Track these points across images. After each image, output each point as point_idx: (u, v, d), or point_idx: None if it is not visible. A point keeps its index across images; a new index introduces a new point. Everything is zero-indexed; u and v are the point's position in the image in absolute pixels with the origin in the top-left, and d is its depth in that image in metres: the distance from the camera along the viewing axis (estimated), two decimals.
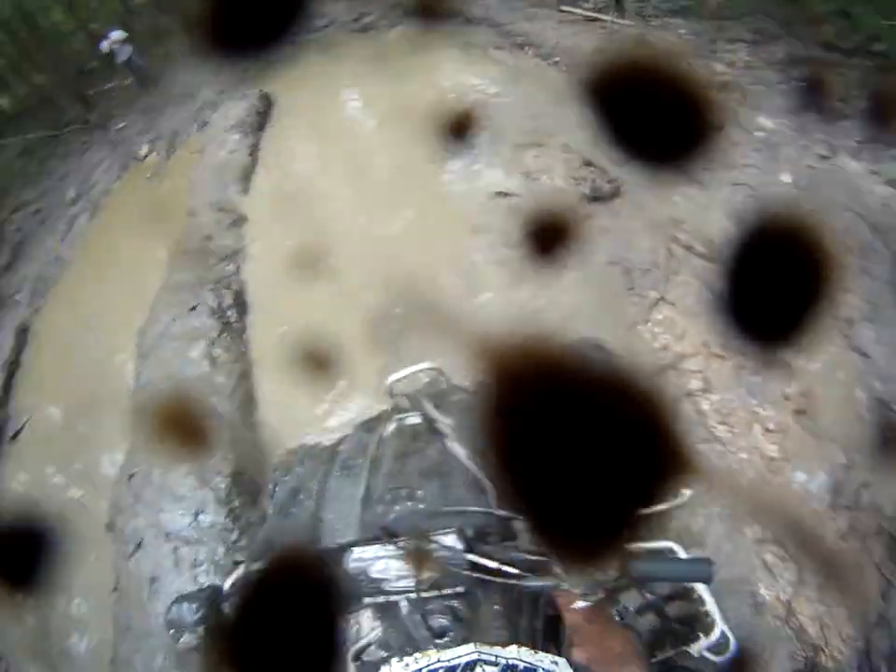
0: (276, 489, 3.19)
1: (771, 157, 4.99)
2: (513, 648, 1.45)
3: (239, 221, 6.24)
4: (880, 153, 4.86)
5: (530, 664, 1.42)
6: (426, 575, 1.56)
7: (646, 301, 4.08)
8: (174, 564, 3.85)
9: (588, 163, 5.32)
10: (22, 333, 7.32)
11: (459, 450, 1.90)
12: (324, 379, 4.36)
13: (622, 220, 4.73)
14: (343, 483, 2.06)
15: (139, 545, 4.06)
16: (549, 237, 3.60)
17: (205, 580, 3.70)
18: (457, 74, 7.41)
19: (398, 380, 2.66)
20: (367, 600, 1.59)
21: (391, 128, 6.67)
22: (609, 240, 4.58)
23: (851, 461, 3.20)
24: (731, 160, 4.93)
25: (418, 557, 1.58)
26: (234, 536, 3.89)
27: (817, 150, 4.94)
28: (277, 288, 5.37)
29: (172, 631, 1.70)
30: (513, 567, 1.51)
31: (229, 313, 5.30)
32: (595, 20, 7.30)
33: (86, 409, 5.64)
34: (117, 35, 10.21)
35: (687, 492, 2.56)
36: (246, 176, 6.86)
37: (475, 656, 1.42)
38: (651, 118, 0.44)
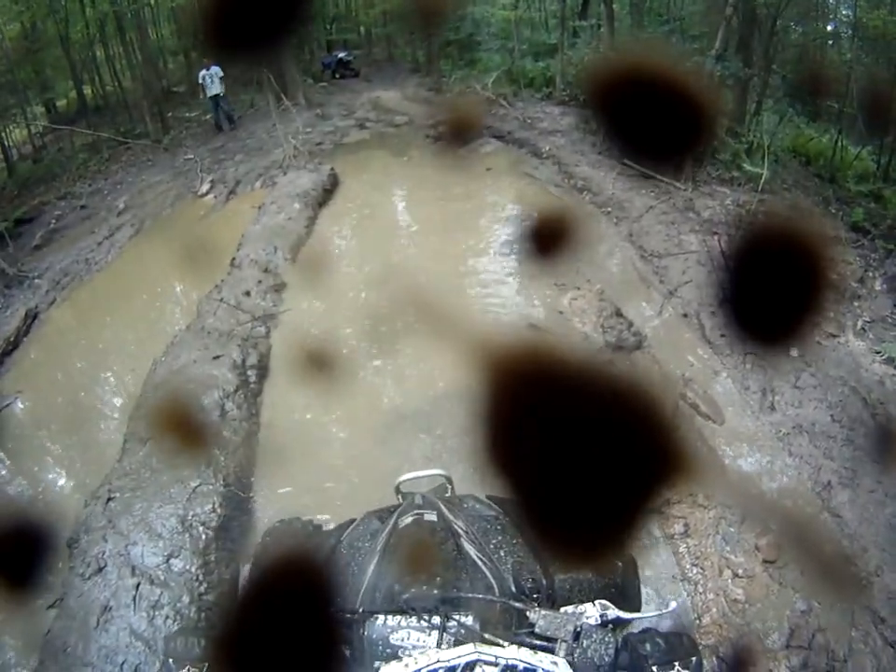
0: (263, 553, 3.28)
1: None
2: (513, 648, 1.53)
3: (280, 287, 6.44)
4: (885, 333, 5.38)
5: (530, 664, 1.49)
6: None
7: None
8: (132, 599, 3.79)
9: (619, 314, 5.67)
10: (31, 318, 7.38)
11: (471, 549, 2.07)
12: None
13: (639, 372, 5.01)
14: (350, 558, 2.24)
15: (100, 570, 4.00)
16: None
17: (162, 624, 3.66)
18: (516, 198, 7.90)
19: (406, 480, 2.88)
20: (377, 664, 1.70)
21: (435, 236, 7.07)
22: None
23: (810, 608, 3.42)
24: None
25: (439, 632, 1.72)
26: (202, 588, 3.86)
27: (827, 328, 5.34)
28: (298, 364, 5.54)
29: (171, 660, 1.81)
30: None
31: (249, 372, 5.40)
32: (652, 177, 7.81)
33: (72, 414, 5.72)
34: (216, 69, 10.72)
35: (673, 604, 2.74)
36: (298, 246, 7.12)
37: (475, 656, 1.50)
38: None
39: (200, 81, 11.08)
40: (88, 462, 5.29)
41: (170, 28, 14.56)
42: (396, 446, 4.65)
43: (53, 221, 9.49)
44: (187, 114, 12.03)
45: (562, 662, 1.55)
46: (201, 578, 3.90)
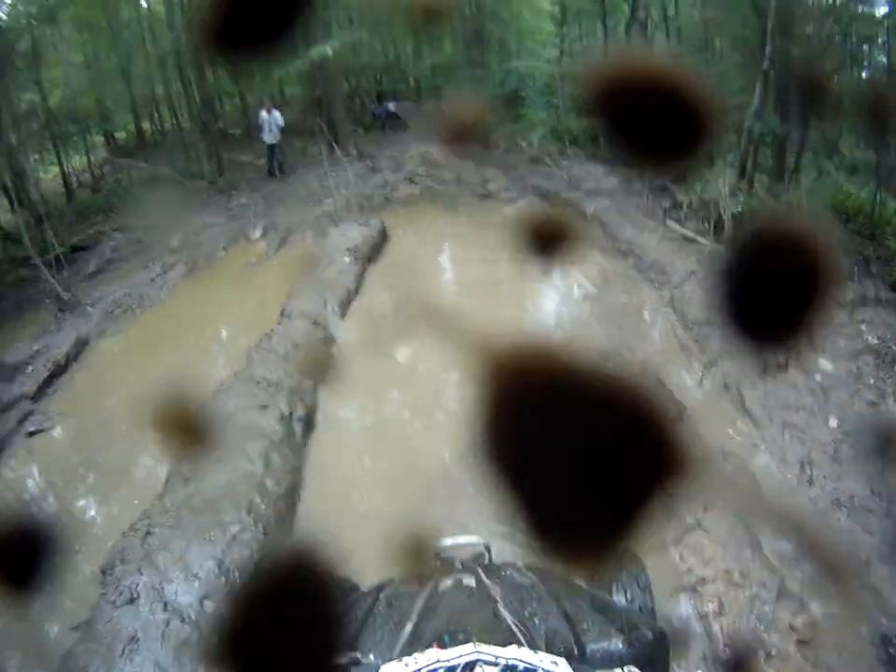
0: None
1: (824, 400, 5.39)
2: (513, 648, 1.52)
3: (328, 341, 6.66)
4: None
5: (530, 664, 1.46)
6: None
7: (682, 526, 4.30)
8: (161, 634, 3.85)
9: (660, 383, 5.70)
10: (81, 344, 7.71)
11: (508, 616, 2.04)
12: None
13: None
14: (385, 618, 2.22)
15: (132, 600, 4.07)
16: None
17: (188, 663, 3.70)
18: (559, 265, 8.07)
19: (446, 546, 2.93)
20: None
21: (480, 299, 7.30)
22: None
23: None
24: (785, 400, 5.37)
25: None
26: None
27: (868, 396, 5.31)
28: (346, 421, 5.73)
29: None
30: None
31: (295, 425, 5.57)
32: (694, 240, 7.97)
33: (112, 443, 5.95)
34: (277, 115, 11.19)
35: None
36: (347, 301, 7.37)
37: (475, 656, 1.48)
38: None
39: (259, 123, 11.47)
40: (122, 493, 5.48)
41: (227, 70, 14.97)
42: (440, 509, 4.64)
43: (109, 252, 9.85)
44: (241, 158, 12.43)
45: (562, 662, 1.53)
46: None
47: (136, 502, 5.11)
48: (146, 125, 14.61)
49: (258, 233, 9.47)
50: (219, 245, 9.47)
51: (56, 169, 12.82)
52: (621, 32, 12.65)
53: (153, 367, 6.94)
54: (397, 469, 5.15)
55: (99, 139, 14.41)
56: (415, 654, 1.60)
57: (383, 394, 6.04)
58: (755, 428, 5.26)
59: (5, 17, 11.11)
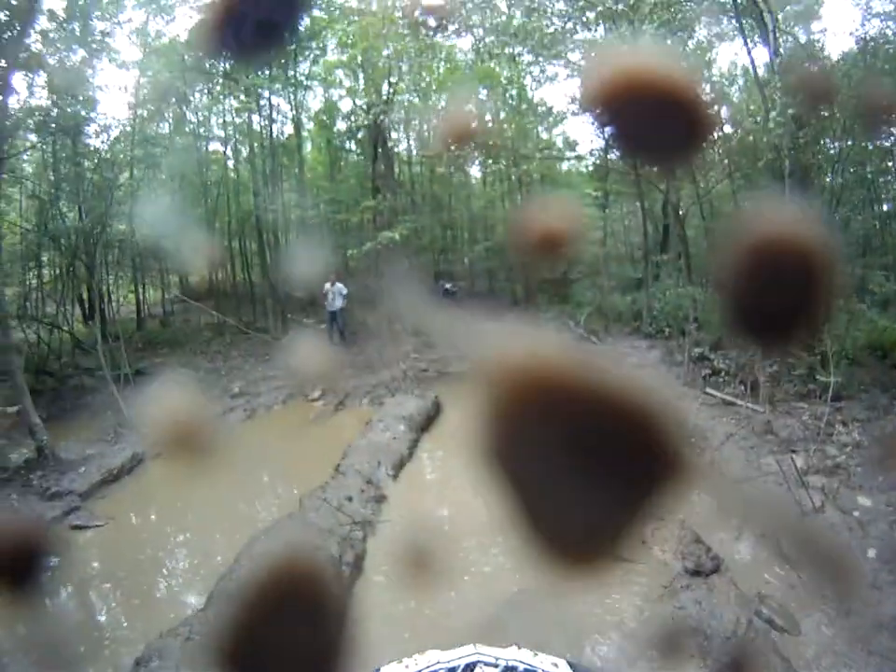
0: None
1: (862, 535, 5.54)
2: (513, 649, 1.55)
3: (380, 499, 7.05)
4: None
5: (530, 665, 1.49)
6: None
7: (718, 665, 4.32)
8: None
9: (698, 540, 5.84)
10: (136, 460, 8.22)
11: None
12: None
13: (714, 593, 5.15)
14: None
15: None
16: None
17: None
18: None
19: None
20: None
21: None
22: (699, 610, 4.97)
23: None
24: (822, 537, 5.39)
25: None
26: None
27: None
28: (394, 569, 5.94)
29: None
30: None
31: (345, 568, 5.83)
32: (731, 403, 8.36)
33: (154, 557, 6.31)
34: (340, 286, 12.00)
35: None
36: (400, 465, 7.80)
37: (475, 657, 1.52)
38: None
39: (323, 292, 12.33)
40: (154, 601, 5.77)
41: (297, 236, 16.05)
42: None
43: (171, 384, 10.37)
44: (304, 320, 13.32)
45: (562, 663, 1.55)
46: None
47: (172, 615, 5.33)
48: (219, 274, 15.68)
49: (316, 393, 10.11)
50: (278, 399, 10.14)
51: (132, 297, 13.92)
52: (658, 210, 13.69)
53: (205, 496, 7.26)
54: (440, 617, 5.33)
55: (174, 279, 15.45)
56: (415, 655, 1.64)
57: (430, 548, 6.26)
58: (792, 570, 5.35)
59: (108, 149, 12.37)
